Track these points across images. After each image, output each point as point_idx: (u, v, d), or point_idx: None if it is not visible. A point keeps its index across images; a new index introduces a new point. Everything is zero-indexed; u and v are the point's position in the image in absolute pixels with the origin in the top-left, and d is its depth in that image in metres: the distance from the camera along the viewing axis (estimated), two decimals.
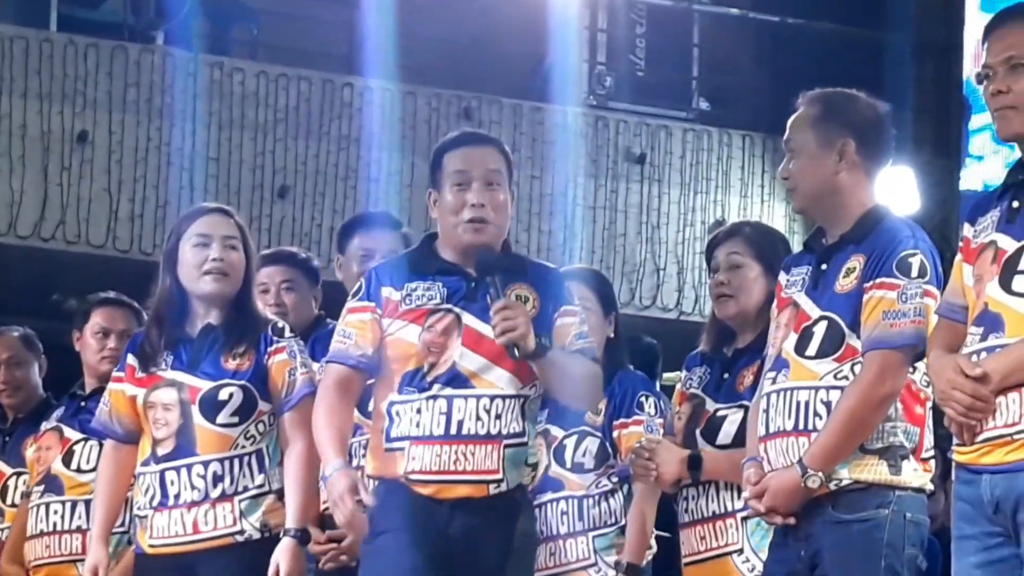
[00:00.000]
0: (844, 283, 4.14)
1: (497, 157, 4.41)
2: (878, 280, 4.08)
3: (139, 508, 4.70)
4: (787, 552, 4.15)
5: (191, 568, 4.59)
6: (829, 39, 13.01)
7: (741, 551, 4.54)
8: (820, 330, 4.13)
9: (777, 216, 12.96)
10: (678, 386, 4.79)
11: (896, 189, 11.90)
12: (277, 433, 4.68)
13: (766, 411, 4.16)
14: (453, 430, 4.27)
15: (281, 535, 4.56)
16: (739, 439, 4.44)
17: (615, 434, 4.98)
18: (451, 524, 4.26)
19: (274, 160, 12.14)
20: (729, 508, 4.55)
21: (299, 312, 5.41)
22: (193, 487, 4.60)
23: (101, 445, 5.08)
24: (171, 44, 12.02)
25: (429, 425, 4.29)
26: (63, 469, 5.58)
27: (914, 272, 4.07)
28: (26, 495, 5.80)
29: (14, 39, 11.59)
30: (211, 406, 4.61)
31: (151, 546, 4.66)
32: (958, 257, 3.85)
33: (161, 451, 4.65)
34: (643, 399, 5.02)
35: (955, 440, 3.74)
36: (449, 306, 4.33)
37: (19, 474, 6.03)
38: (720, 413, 4.60)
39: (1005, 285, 3.67)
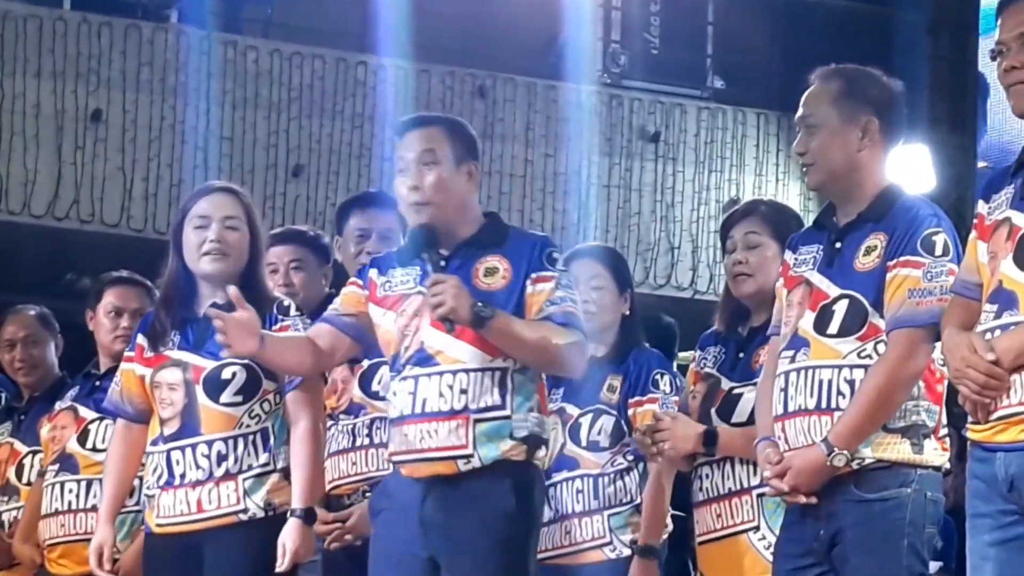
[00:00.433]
0: (865, 261, 4.12)
1: (431, 136, 4.41)
2: (902, 258, 4.06)
3: (148, 488, 4.71)
4: (803, 531, 4.14)
5: (197, 547, 4.59)
6: (844, 17, 12.98)
7: (757, 528, 4.54)
8: (841, 308, 4.11)
9: (792, 194, 12.95)
10: (692, 365, 4.78)
11: (911, 167, 11.88)
12: (284, 412, 4.68)
13: (784, 390, 4.15)
14: (418, 408, 4.30)
15: (288, 515, 4.56)
16: (755, 417, 4.43)
17: (630, 412, 4.97)
18: (425, 503, 4.29)
19: (288, 139, 12.15)
20: (745, 485, 4.54)
21: (309, 291, 5.41)
22: (198, 466, 4.60)
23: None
24: (185, 22, 12.02)
25: (400, 406, 4.34)
26: (78, 448, 5.58)
27: (938, 250, 4.06)
28: (41, 474, 5.81)
29: (28, 18, 11.59)
30: (214, 385, 4.62)
31: (158, 525, 4.67)
32: (972, 234, 3.84)
33: (167, 431, 4.67)
34: (658, 377, 5.01)
35: (969, 418, 3.73)
36: (420, 288, 4.35)
37: (34, 453, 6.04)
38: (736, 391, 4.59)
39: (1020, 262, 3.66)
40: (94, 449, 5.55)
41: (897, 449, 4.06)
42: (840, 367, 4.09)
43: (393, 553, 4.35)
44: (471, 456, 4.25)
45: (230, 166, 11.78)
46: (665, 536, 5.06)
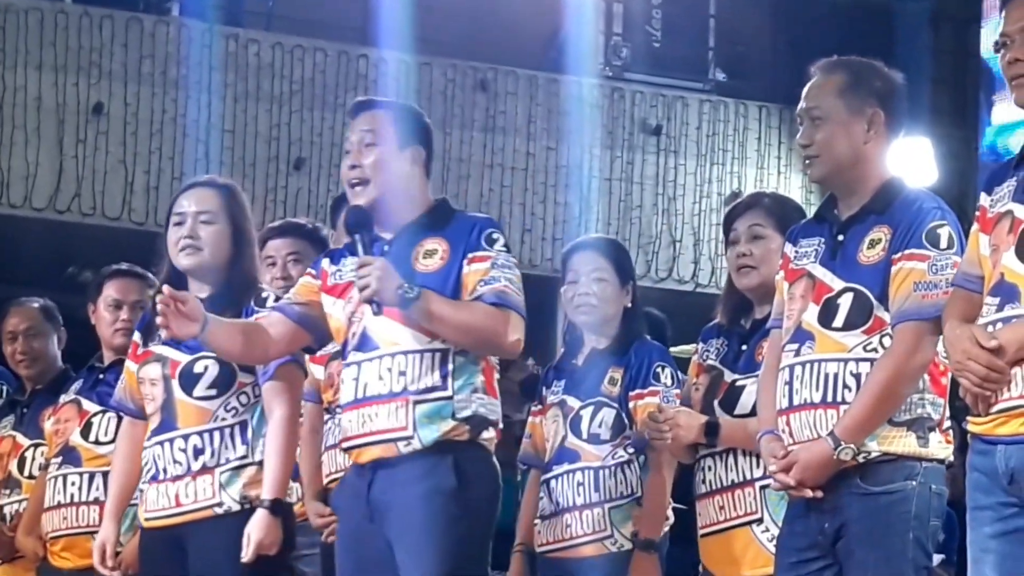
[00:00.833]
0: (869, 254, 4.11)
1: (375, 118, 4.41)
2: (907, 251, 4.05)
3: (141, 483, 4.74)
4: (808, 524, 4.13)
5: (179, 540, 4.60)
6: (846, 9, 12.98)
7: (760, 520, 4.53)
8: (846, 302, 4.10)
9: (793, 187, 12.95)
10: (694, 358, 4.77)
11: (913, 160, 11.87)
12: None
13: (788, 383, 4.13)
14: (360, 393, 4.30)
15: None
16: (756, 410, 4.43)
17: (631, 404, 4.97)
18: (372, 486, 4.28)
19: (290, 132, 12.16)
20: (748, 477, 4.54)
21: None
22: (176, 461, 4.61)
23: (119, 417, 5.10)
24: (186, 15, 12.03)
25: (346, 392, 4.35)
26: (81, 441, 5.59)
27: (943, 243, 4.05)
28: (44, 467, 5.81)
29: (29, 11, 11.59)
30: (189, 379, 4.62)
31: (146, 520, 4.70)
32: (974, 227, 3.83)
33: (152, 426, 4.70)
34: (659, 369, 5.01)
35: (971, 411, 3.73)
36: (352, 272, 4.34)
37: (36, 446, 6.04)
38: (739, 383, 4.59)
39: (1021, 255, 3.65)
40: (97, 442, 5.55)
41: (903, 442, 4.05)
42: (846, 360, 4.08)
43: (351, 541, 4.35)
44: (411, 438, 4.23)
45: (232, 159, 11.78)
46: (666, 529, 5.06)
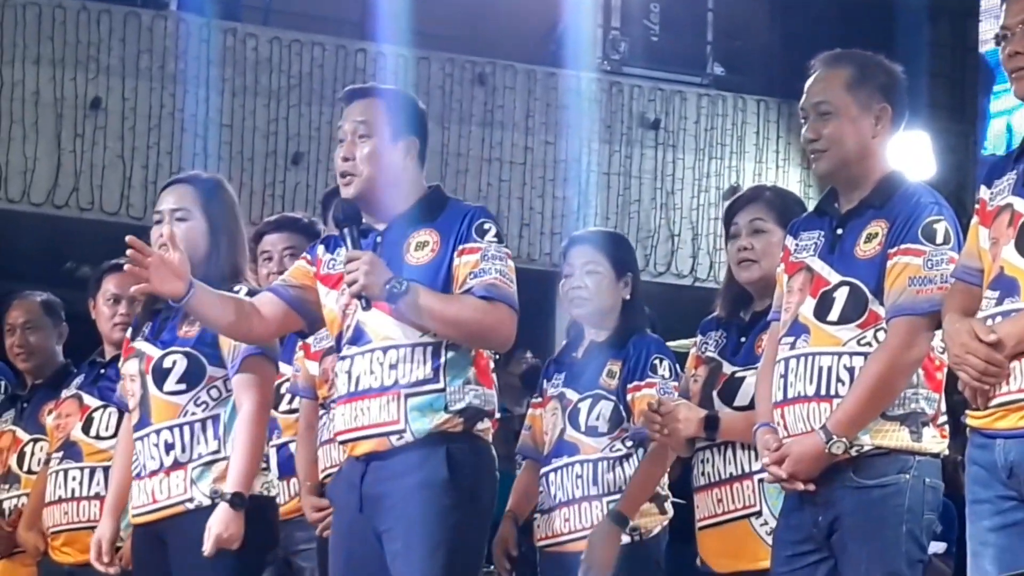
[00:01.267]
0: (866, 248, 4.11)
1: (367, 107, 4.37)
2: (903, 246, 4.05)
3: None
4: (802, 518, 4.13)
5: (160, 536, 4.61)
6: (844, 3, 12.97)
7: (759, 513, 4.53)
8: (841, 295, 4.10)
9: (792, 181, 12.95)
10: (693, 350, 4.77)
11: (912, 154, 11.86)
12: None
13: (783, 376, 4.14)
14: (353, 387, 4.28)
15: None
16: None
17: (629, 397, 4.97)
18: (364, 479, 4.26)
19: (288, 126, 12.15)
20: (746, 469, 4.54)
21: None
22: (151, 457, 4.62)
23: (120, 413, 5.10)
24: (184, 10, 12.02)
25: (339, 386, 4.33)
26: (82, 436, 5.59)
27: (939, 238, 4.05)
28: (45, 462, 5.81)
29: (27, 5, 11.59)
30: (159, 374, 4.62)
31: (132, 516, 4.72)
32: (974, 220, 3.83)
33: (132, 422, 4.72)
34: (657, 362, 5.00)
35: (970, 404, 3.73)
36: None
37: (36, 441, 6.04)
38: (738, 375, 4.59)
39: (1021, 249, 3.65)
40: (98, 437, 5.55)
41: (896, 436, 4.05)
42: (840, 354, 4.08)
43: (344, 533, 4.34)
44: (403, 431, 4.21)
45: (229, 154, 11.78)
46: (665, 523, 5.05)
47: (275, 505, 4.80)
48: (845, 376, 4.06)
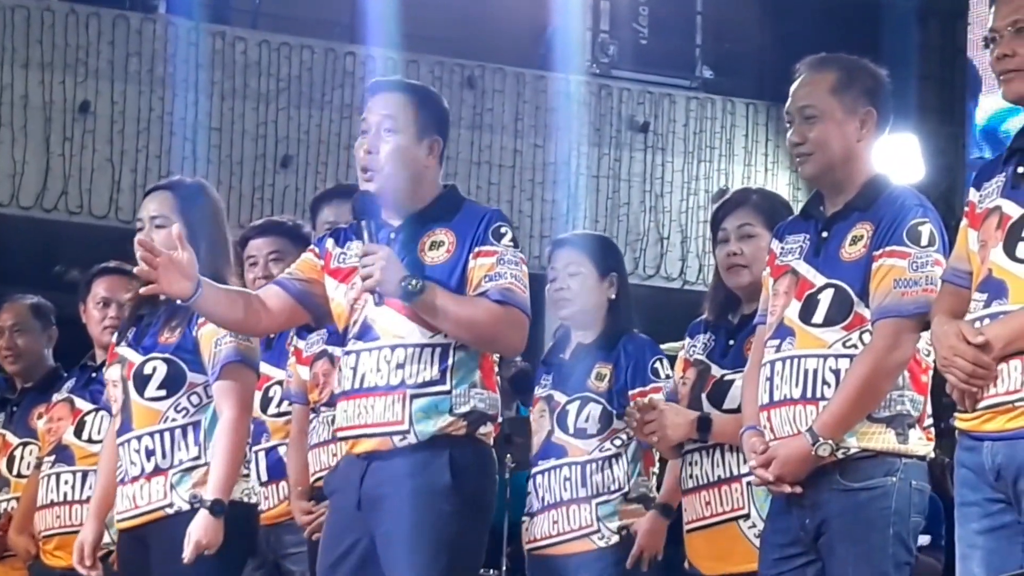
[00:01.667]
0: (851, 251, 4.11)
1: (393, 101, 4.30)
2: (888, 248, 4.06)
3: None
4: (789, 520, 4.14)
5: (143, 541, 4.62)
6: (833, 6, 12.98)
7: (747, 516, 4.54)
8: (826, 298, 4.11)
9: (780, 184, 12.96)
10: (681, 353, 4.78)
11: (901, 156, 11.88)
12: None
13: (769, 379, 4.14)
14: (358, 384, 4.23)
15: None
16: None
17: (633, 404, 4.92)
18: (364, 479, 4.22)
19: (276, 129, 12.14)
20: (734, 472, 4.55)
21: None
22: (132, 462, 4.63)
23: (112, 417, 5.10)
24: (173, 13, 12.01)
25: (343, 381, 4.29)
26: (74, 440, 5.58)
27: (924, 240, 4.06)
28: (36, 466, 5.81)
29: (15, 8, 11.57)
30: (140, 380, 4.63)
31: (116, 521, 4.73)
32: (963, 222, 3.83)
33: (115, 427, 4.73)
34: (657, 364, 5.01)
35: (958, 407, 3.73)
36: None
37: (26, 444, 6.03)
38: (727, 378, 4.60)
39: (1009, 251, 3.66)
40: (90, 440, 5.55)
41: (882, 439, 4.06)
42: (825, 356, 4.08)
43: (335, 531, 4.29)
44: (407, 432, 4.17)
45: (218, 157, 11.77)
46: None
47: (255, 512, 4.80)
48: (831, 378, 4.06)
